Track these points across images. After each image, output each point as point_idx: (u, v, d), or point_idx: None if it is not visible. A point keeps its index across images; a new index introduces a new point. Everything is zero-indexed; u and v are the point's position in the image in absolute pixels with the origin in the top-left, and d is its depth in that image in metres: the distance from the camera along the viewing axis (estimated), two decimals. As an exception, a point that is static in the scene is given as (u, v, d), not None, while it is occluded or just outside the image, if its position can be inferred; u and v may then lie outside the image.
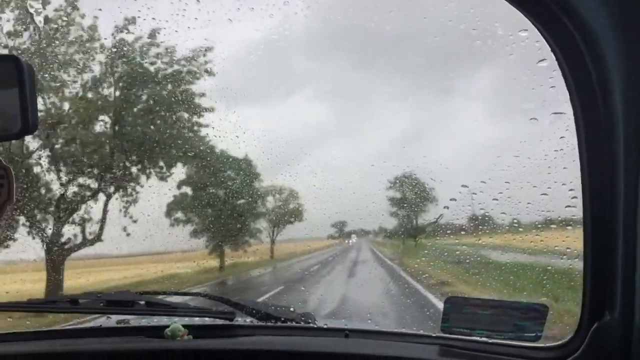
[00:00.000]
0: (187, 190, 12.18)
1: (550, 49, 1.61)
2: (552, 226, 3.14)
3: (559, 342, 2.00)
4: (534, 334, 1.97)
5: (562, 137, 1.93)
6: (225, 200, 11.06)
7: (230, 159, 10.74)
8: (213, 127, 10.07)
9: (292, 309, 2.54)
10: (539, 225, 3.41)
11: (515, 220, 3.41)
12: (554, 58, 1.63)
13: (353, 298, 8.97)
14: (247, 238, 13.24)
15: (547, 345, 2.03)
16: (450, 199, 3.38)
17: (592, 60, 1.54)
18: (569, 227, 2.66)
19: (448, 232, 4.64)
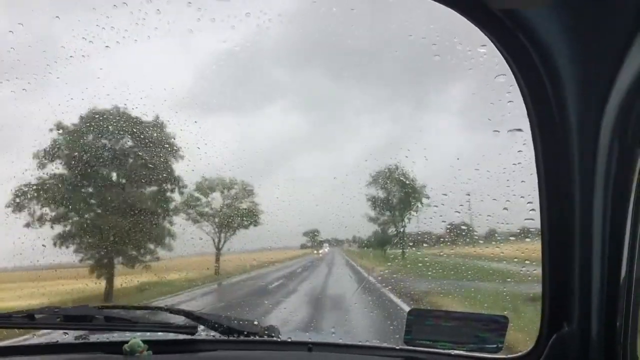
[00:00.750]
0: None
1: (507, 64, 1.64)
2: (512, 238, 3.19)
3: (520, 354, 2.03)
4: (495, 345, 1.99)
5: (519, 151, 1.97)
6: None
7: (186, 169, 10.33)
8: (172, 139, 9.86)
9: (255, 323, 2.49)
10: (499, 237, 3.47)
11: (475, 233, 3.46)
12: (511, 73, 1.66)
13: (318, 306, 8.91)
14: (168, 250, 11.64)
15: (509, 356, 2.05)
16: (413, 211, 3.40)
17: (547, 75, 1.58)
18: (527, 239, 2.71)
19: (410, 244, 4.69)
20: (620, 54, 1.40)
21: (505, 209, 2.48)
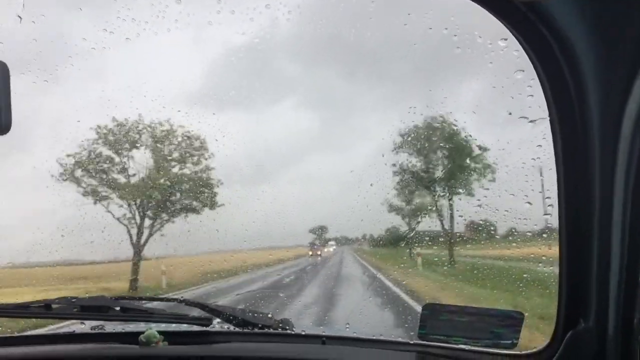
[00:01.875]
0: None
1: (528, 58, 1.63)
2: (529, 234, 3.17)
3: (535, 350, 2.01)
4: (510, 341, 1.98)
5: (539, 146, 1.95)
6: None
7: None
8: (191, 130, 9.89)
9: (270, 315, 2.51)
10: (516, 233, 3.44)
11: (492, 228, 3.44)
12: (532, 67, 1.64)
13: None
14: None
15: (523, 352, 2.04)
16: (429, 207, 3.39)
17: (569, 70, 1.56)
18: (544, 235, 2.69)
19: (426, 239, 4.67)
20: (644, 47, 1.38)
21: (524, 204, 2.46)
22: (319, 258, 16.42)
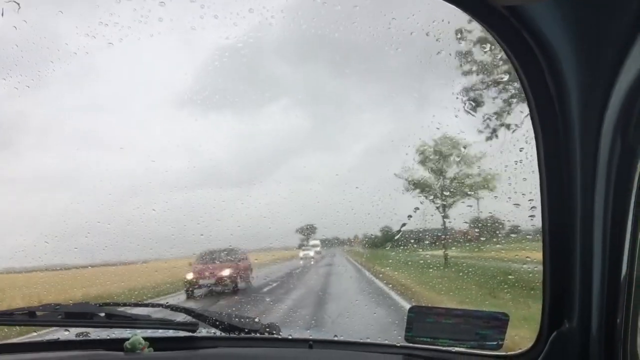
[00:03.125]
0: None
1: (509, 62, 1.65)
2: (513, 235, 3.20)
3: (520, 351, 2.03)
4: (495, 343, 2.00)
5: (521, 149, 1.98)
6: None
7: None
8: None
9: (256, 320, 2.50)
10: (500, 235, 3.47)
11: (477, 230, 3.47)
12: (514, 70, 1.66)
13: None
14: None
15: (509, 353, 2.06)
16: (415, 208, 3.41)
17: (549, 73, 1.58)
18: (528, 237, 2.71)
19: (412, 241, 4.69)
20: (623, 52, 1.40)
21: (508, 206, 2.49)
22: (307, 260, 16.35)
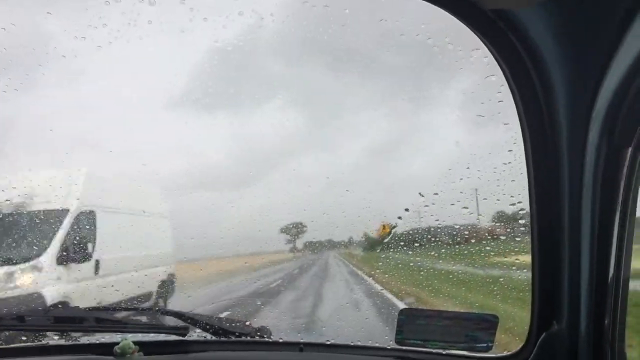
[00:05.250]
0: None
1: (497, 64, 1.66)
2: (502, 237, 3.22)
3: (510, 352, 2.04)
4: (485, 344, 2.01)
5: (510, 150, 1.98)
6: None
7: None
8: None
9: (247, 323, 2.50)
10: (489, 237, 3.49)
11: (466, 232, 3.48)
12: (501, 72, 1.67)
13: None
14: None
15: (498, 355, 2.07)
16: (405, 209, 3.41)
17: (537, 75, 1.59)
18: (517, 239, 2.73)
19: (402, 243, 4.69)
20: (609, 53, 1.41)
21: (497, 208, 2.50)
22: (298, 262, 16.28)
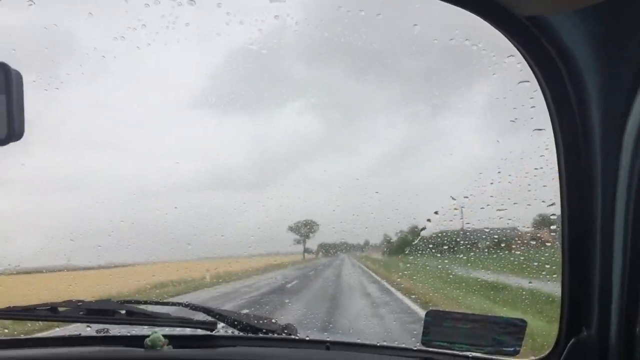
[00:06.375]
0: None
1: (531, 70, 1.66)
2: (532, 242, 3.19)
3: (538, 357, 2.03)
4: (512, 349, 2.00)
5: (542, 156, 1.98)
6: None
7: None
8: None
9: (274, 321, 2.53)
10: (519, 242, 3.47)
11: (496, 236, 3.46)
12: (535, 79, 1.68)
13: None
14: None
15: (526, 359, 2.06)
16: (434, 212, 3.41)
17: (570, 81, 1.60)
18: (548, 244, 2.71)
19: (430, 246, 4.68)
20: (644, 61, 1.41)
21: (528, 213, 2.49)
22: (320, 262, 16.27)
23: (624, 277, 1.68)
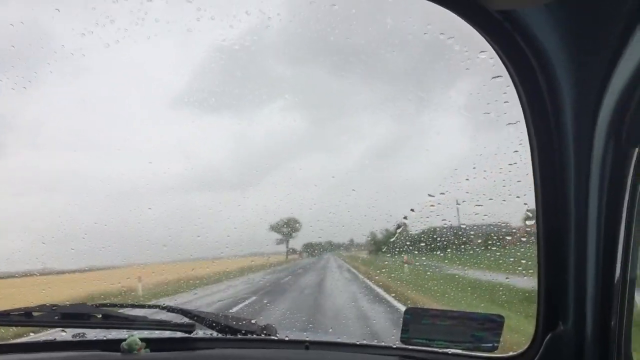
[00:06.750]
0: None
1: (503, 65, 1.66)
2: (508, 238, 3.21)
3: (515, 352, 2.04)
4: (490, 344, 2.01)
5: (515, 151, 1.98)
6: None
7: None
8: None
9: (253, 321, 2.50)
10: (495, 237, 3.48)
11: (472, 233, 3.47)
12: (507, 74, 1.67)
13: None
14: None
15: (504, 355, 2.07)
16: (411, 210, 3.41)
17: (543, 76, 1.59)
18: (523, 239, 2.73)
19: (408, 243, 4.69)
20: (615, 55, 1.41)
21: (503, 209, 2.50)
22: (301, 262, 16.24)
23: (599, 270, 1.69)
